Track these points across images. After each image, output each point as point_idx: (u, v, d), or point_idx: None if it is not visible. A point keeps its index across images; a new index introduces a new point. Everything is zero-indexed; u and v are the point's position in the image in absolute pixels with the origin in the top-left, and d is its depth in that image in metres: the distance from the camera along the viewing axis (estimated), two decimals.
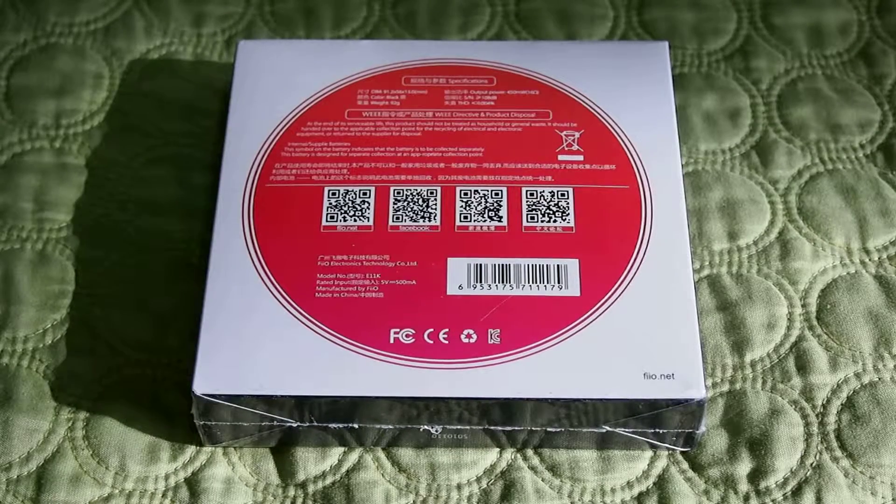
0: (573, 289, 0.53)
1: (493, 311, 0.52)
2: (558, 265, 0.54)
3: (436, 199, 0.56)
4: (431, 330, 0.52)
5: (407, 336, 0.52)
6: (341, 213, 0.55)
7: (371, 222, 0.55)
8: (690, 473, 0.54)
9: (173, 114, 0.63)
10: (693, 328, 0.52)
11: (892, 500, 0.53)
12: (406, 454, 0.54)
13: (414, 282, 0.53)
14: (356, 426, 0.52)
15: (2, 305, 0.57)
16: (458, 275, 0.53)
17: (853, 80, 0.65)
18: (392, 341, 0.52)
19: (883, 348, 0.56)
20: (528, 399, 0.51)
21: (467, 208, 0.55)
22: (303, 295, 0.53)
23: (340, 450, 0.54)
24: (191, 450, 0.54)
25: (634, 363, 0.51)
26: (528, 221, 0.55)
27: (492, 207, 0.55)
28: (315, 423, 0.52)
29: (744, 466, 0.54)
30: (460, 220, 0.55)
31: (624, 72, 0.60)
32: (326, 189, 0.56)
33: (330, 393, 0.51)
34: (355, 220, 0.55)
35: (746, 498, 0.53)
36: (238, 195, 0.56)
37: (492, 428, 0.53)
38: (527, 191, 0.56)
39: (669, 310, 0.52)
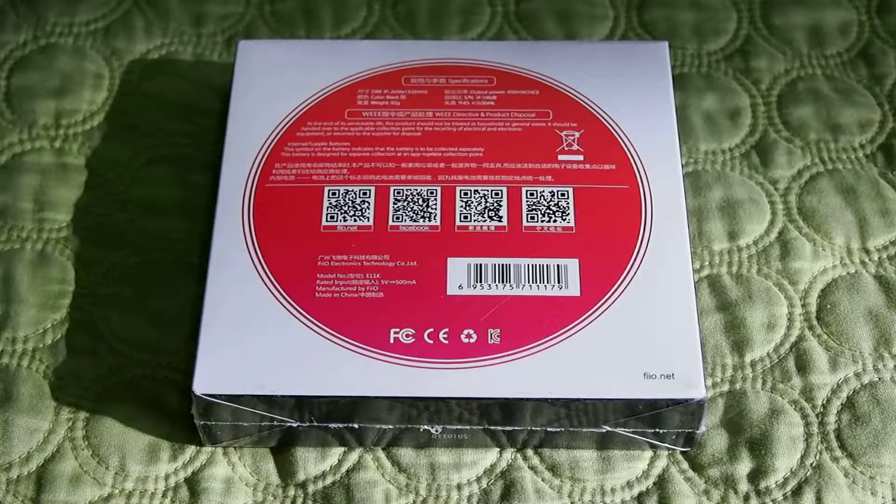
0: (573, 289, 0.53)
1: (493, 311, 0.52)
2: (558, 265, 0.54)
3: (436, 199, 0.56)
4: (431, 330, 0.52)
5: (407, 336, 0.52)
6: (341, 213, 0.55)
7: (371, 222, 0.55)
8: (690, 473, 0.54)
9: (173, 114, 0.63)
10: (693, 328, 0.52)
11: (893, 500, 0.53)
12: (406, 454, 0.54)
13: (414, 282, 0.53)
14: (356, 426, 0.52)
15: (2, 305, 0.57)
16: (458, 275, 0.53)
17: (853, 80, 0.65)
18: (392, 341, 0.52)
19: (883, 348, 0.56)
20: (528, 399, 0.51)
21: (467, 208, 0.55)
22: (303, 295, 0.53)
23: (340, 450, 0.54)
24: (191, 450, 0.54)
25: (634, 363, 0.51)
26: (528, 221, 0.55)
27: (492, 207, 0.55)
28: (315, 423, 0.52)
29: (744, 466, 0.54)
30: (460, 220, 0.55)
31: (624, 72, 0.60)
32: (326, 189, 0.56)
33: (330, 393, 0.51)
34: (355, 220, 0.55)
35: (746, 498, 0.53)
36: (238, 195, 0.56)
37: (492, 428, 0.53)
38: (527, 191, 0.56)
39: (669, 310, 0.52)
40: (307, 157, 0.57)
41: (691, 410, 0.51)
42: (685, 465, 0.54)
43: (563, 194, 0.56)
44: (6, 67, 0.65)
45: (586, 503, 0.53)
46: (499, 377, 0.51)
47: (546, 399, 0.51)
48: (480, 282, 0.53)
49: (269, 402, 0.51)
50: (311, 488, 0.53)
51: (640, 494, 0.53)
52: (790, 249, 0.59)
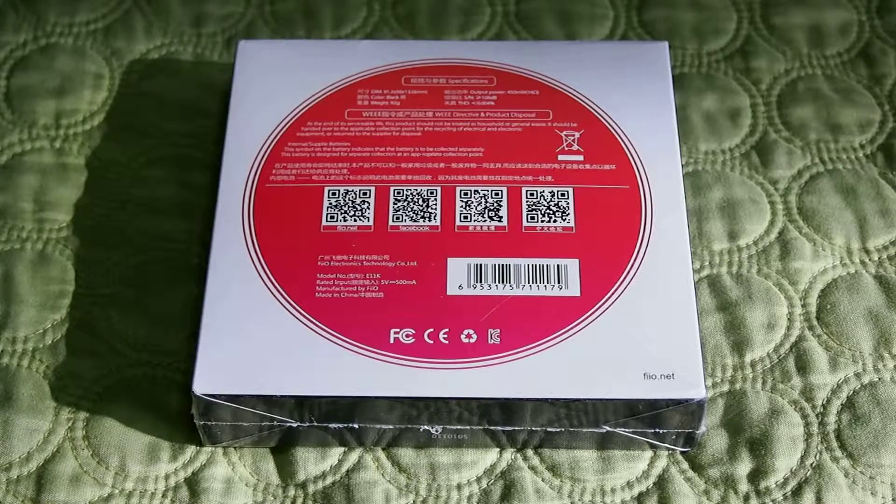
0: (573, 289, 0.53)
1: (493, 311, 0.52)
2: (558, 265, 0.54)
3: (436, 199, 0.56)
4: (431, 330, 0.52)
5: (407, 336, 0.52)
6: (341, 213, 0.55)
7: (371, 222, 0.55)
8: (690, 473, 0.54)
9: (173, 114, 0.63)
10: (693, 328, 0.52)
11: (892, 500, 0.53)
12: (406, 454, 0.54)
13: (414, 282, 0.53)
14: (356, 426, 0.52)
15: (2, 305, 0.57)
16: (458, 275, 0.53)
17: (853, 80, 0.65)
18: (392, 341, 0.52)
19: (883, 348, 0.56)
20: (528, 399, 0.51)
21: (467, 208, 0.55)
22: (303, 295, 0.53)
23: (340, 450, 0.54)
24: (191, 450, 0.54)
25: (634, 363, 0.51)
26: (528, 221, 0.55)
27: (492, 207, 0.55)
28: (315, 423, 0.52)
29: (744, 466, 0.54)
30: (460, 220, 0.55)
31: (624, 72, 0.60)
32: (326, 189, 0.56)
33: (330, 393, 0.51)
34: (355, 220, 0.55)
35: (746, 498, 0.53)
36: (238, 195, 0.56)
37: (492, 428, 0.53)
38: (527, 191, 0.56)
39: (669, 310, 0.52)
40: (307, 157, 0.57)
41: (691, 410, 0.51)
42: (685, 465, 0.54)
43: (563, 194, 0.56)
44: (6, 67, 0.65)
45: (586, 503, 0.53)
46: (499, 377, 0.51)
47: (546, 399, 0.51)
48: (480, 282, 0.53)
49: (269, 402, 0.51)
50: (311, 488, 0.53)
51: (640, 494, 0.53)
52: (790, 249, 0.59)
